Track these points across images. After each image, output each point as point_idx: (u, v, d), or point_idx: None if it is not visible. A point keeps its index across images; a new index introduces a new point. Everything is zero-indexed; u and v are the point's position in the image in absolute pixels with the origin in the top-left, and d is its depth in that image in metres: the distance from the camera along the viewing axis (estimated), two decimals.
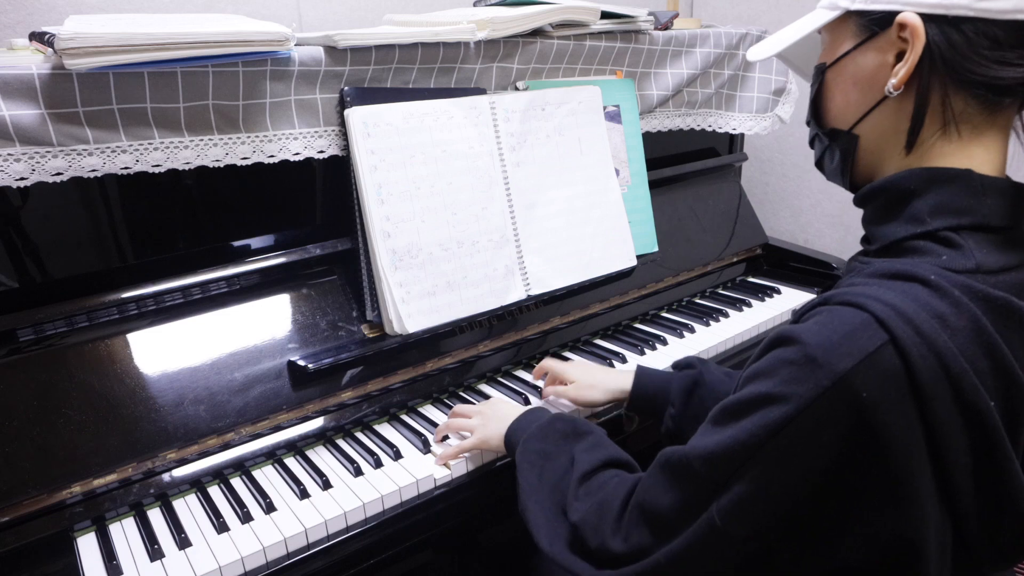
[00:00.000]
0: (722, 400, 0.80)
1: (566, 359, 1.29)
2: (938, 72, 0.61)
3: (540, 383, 1.19)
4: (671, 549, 0.63)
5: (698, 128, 1.58)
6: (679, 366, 1.04)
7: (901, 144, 0.66)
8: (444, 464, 0.99)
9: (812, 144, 0.77)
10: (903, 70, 0.62)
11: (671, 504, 0.63)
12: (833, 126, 0.72)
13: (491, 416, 0.99)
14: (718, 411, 0.63)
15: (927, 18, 0.60)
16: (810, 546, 0.60)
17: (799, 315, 0.63)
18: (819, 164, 0.77)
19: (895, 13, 0.61)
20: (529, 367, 1.28)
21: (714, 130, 1.59)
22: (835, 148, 0.72)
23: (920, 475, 0.56)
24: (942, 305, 0.56)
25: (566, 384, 1.11)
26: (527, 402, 1.14)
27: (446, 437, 1.04)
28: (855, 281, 0.61)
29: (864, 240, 0.70)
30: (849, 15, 0.66)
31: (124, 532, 0.89)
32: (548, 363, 1.15)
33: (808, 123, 0.76)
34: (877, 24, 0.64)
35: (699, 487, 0.61)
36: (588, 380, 1.08)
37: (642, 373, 1.06)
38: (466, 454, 1.00)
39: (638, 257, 1.40)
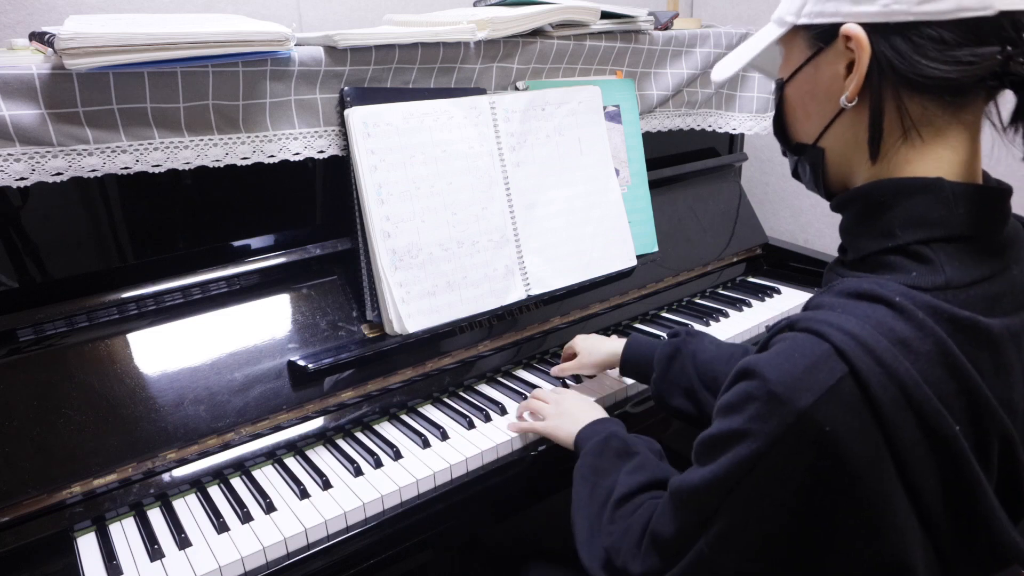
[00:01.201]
0: (700, 371, 0.98)
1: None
2: (888, 80, 0.60)
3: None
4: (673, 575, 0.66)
5: (698, 128, 1.58)
6: (670, 334, 1.09)
7: (866, 154, 0.65)
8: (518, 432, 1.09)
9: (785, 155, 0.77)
10: (853, 82, 0.61)
11: (673, 532, 0.66)
12: (799, 140, 0.71)
13: (565, 409, 1.05)
14: (697, 445, 0.64)
15: (871, 28, 0.59)
16: (798, 574, 0.61)
17: (768, 337, 0.62)
18: (795, 175, 0.77)
19: (839, 26, 0.61)
20: (529, 367, 1.28)
21: (714, 130, 1.59)
22: (804, 162, 0.72)
23: (894, 497, 0.56)
24: (906, 329, 0.56)
25: (575, 353, 1.20)
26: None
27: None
28: (823, 301, 0.61)
29: (841, 248, 0.70)
30: (797, 30, 0.66)
31: (124, 532, 0.89)
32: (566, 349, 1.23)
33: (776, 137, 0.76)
34: (822, 38, 0.64)
35: (690, 518, 0.64)
36: (589, 348, 1.17)
37: (632, 340, 1.13)
38: (515, 433, 1.08)
39: (638, 257, 1.40)
